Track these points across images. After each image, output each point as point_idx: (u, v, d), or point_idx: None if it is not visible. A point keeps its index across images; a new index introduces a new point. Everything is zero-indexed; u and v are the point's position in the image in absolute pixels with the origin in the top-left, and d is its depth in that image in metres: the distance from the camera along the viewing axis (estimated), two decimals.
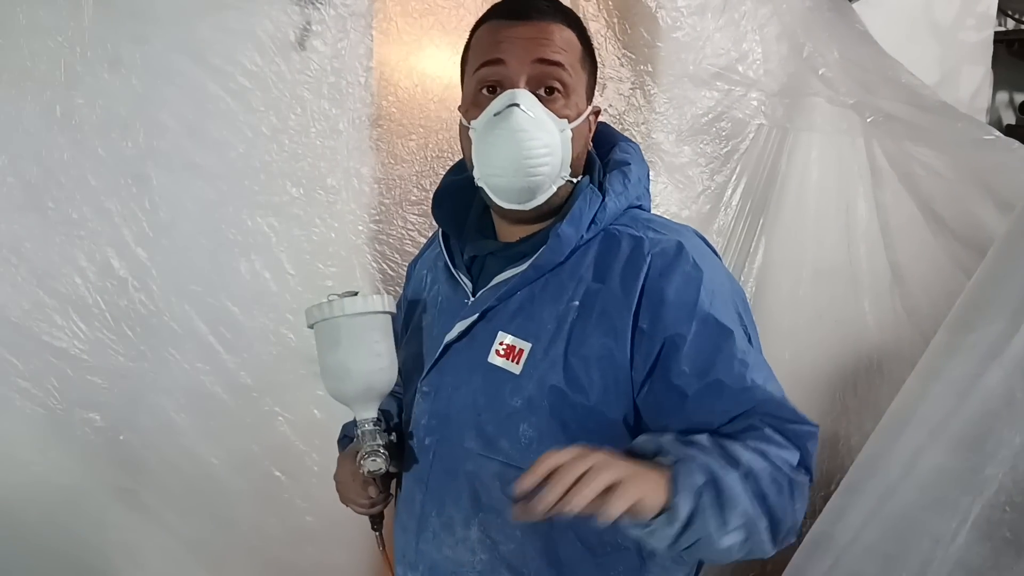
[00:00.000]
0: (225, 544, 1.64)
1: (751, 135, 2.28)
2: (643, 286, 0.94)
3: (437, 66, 1.76)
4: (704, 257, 0.98)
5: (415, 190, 1.73)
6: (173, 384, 1.58)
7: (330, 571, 1.74)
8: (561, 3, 1.04)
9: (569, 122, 0.98)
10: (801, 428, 0.92)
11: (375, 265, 1.72)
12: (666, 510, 0.79)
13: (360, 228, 1.69)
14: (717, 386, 0.92)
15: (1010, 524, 1.27)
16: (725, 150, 2.26)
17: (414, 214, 1.73)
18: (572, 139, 0.98)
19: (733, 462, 0.85)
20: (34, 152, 1.46)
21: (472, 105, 1.00)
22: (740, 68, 2.23)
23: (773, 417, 0.92)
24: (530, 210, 1.00)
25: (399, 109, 1.71)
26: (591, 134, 1.05)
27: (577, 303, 0.96)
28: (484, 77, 0.99)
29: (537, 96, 0.96)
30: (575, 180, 1.02)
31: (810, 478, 0.92)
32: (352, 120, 1.66)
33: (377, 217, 1.72)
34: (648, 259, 0.95)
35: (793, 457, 0.90)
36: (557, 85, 0.97)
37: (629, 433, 0.95)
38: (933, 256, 2.20)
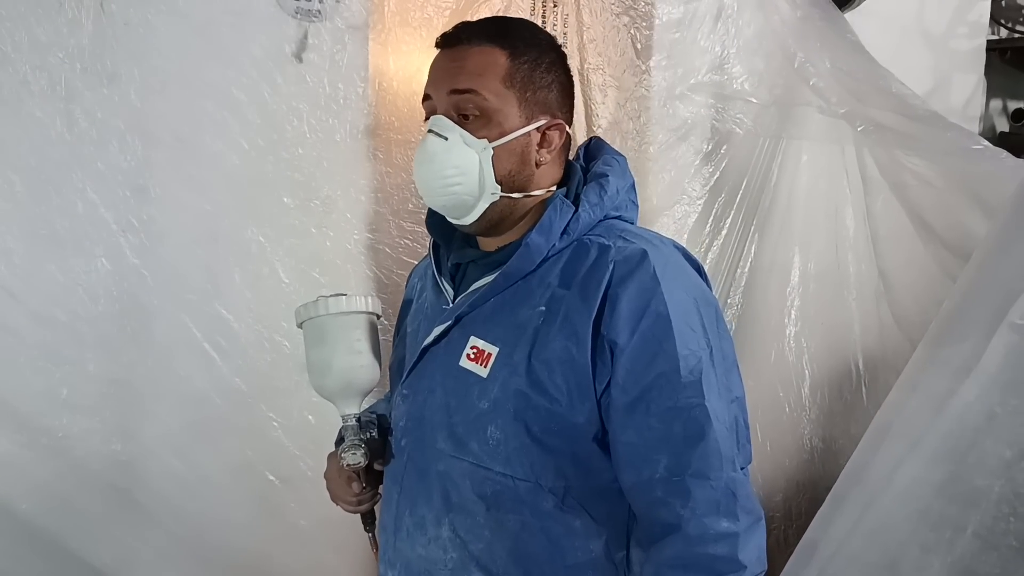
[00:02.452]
0: (220, 548, 1.68)
1: (743, 143, 2.30)
2: (605, 292, 0.97)
3: None
4: (668, 268, 0.99)
5: (412, 199, 1.77)
6: (169, 390, 1.62)
7: (323, 574, 1.78)
8: (497, 23, 1.09)
9: (490, 141, 1.02)
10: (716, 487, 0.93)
11: (370, 273, 1.75)
12: None
13: (356, 237, 1.73)
14: (643, 406, 0.95)
15: (1016, 533, 1.31)
16: (717, 158, 2.29)
17: (410, 223, 1.76)
18: (495, 157, 1.02)
19: None
20: (34, 165, 1.50)
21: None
22: (732, 78, 2.26)
23: (687, 462, 0.93)
24: (471, 225, 1.05)
25: (398, 118, 1.75)
26: (550, 149, 1.07)
27: (543, 308, 1.00)
28: (425, 111, 1.07)
29: (458, 120, 1.02)
30: (514, 196, 1.05)
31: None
32: (349, 130, 1.70)
33: (373, 226, 1.75)
34: (611, 266, 0.98)
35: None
36: (472, 111, 1.01)
37: (593, 437, 0.99)
38: (922, 264, 2.23)
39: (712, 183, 2.29)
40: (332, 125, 1.67)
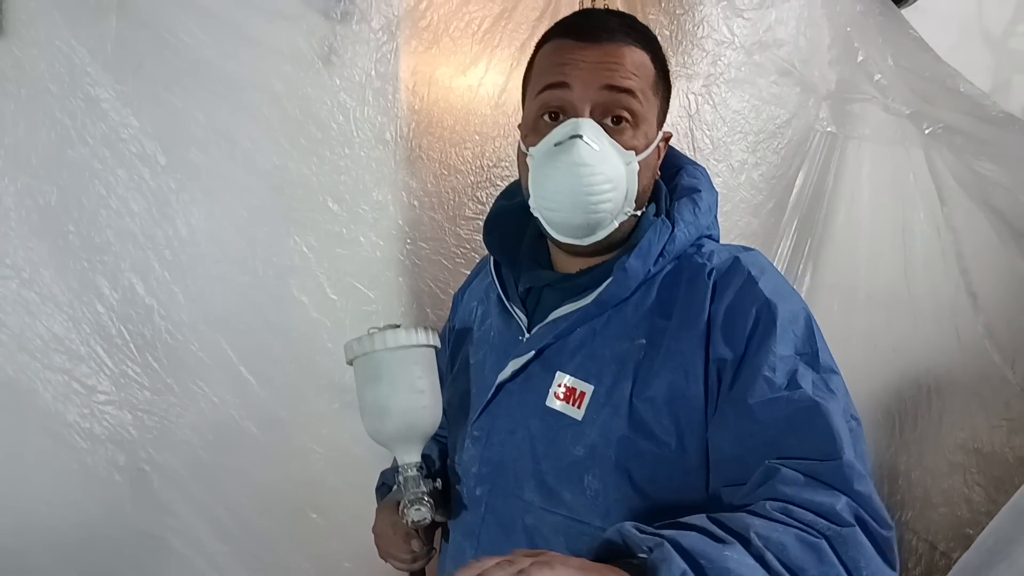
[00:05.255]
0: None
1: (800, 145, 2.28)
2: (709, 315, 0.92)
3: (494, 70, 1.74)
4: (764, 270, 0.95)
5: (470, 203, 1.71)
6: (200, 418, 1.55)
7: None
8: (636, 22, 1.02)
9: (637, 154, 0.96)
10: (837, 466, 0.81)
11: (425, 287, 1.69)
12: None
13: (408, 246, 1.66)
14: (744, 402, 0.87)
15: None
16: (770, 161, 2.27)
17: (468, 230, 1.70)
18: (639, 171, 0.97)
19: (738, 535, 0.73)
20: (53, 172, 1.44)
21: (532, 130, 0.99)
22: (791, 72, 2.24)
23: (800, 455, 0.82)
24: (588, 245, 0.99)
25: (452, 116, 1.70)
26: (659, 162, 1.04)
27: (644, 341, 0.94)
28: (546, 102, 0.97)
29: (603, 126, 0.95)
30: (639, 214, 1.00)
31: (880, 526, 0.78)
32: (400, 129, 1.64)
33: (428, 234, 1.69)
34: (710, 285, 0.94)
35: (834, 501, 0.78)
36: (626, 115, 0.95)
37: (706, 486, 0.91)
38: (1011, 277, 2.20)
39: (765, 186, 2.27)
40: (382, 123, 1.61)
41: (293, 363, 1.60)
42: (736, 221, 2.25)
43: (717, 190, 2.12)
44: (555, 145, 0.94)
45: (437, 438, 1.19)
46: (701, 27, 2.11)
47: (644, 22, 2.06)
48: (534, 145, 0.97)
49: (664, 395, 0.91)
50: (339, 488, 1.63)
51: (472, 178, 1.71)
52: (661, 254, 0.97)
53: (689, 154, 2.16)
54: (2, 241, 1.41)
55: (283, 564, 1.62)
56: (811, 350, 0.91)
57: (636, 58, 0.97)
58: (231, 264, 1.56)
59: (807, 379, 0.88)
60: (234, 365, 1.56)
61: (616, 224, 0.98)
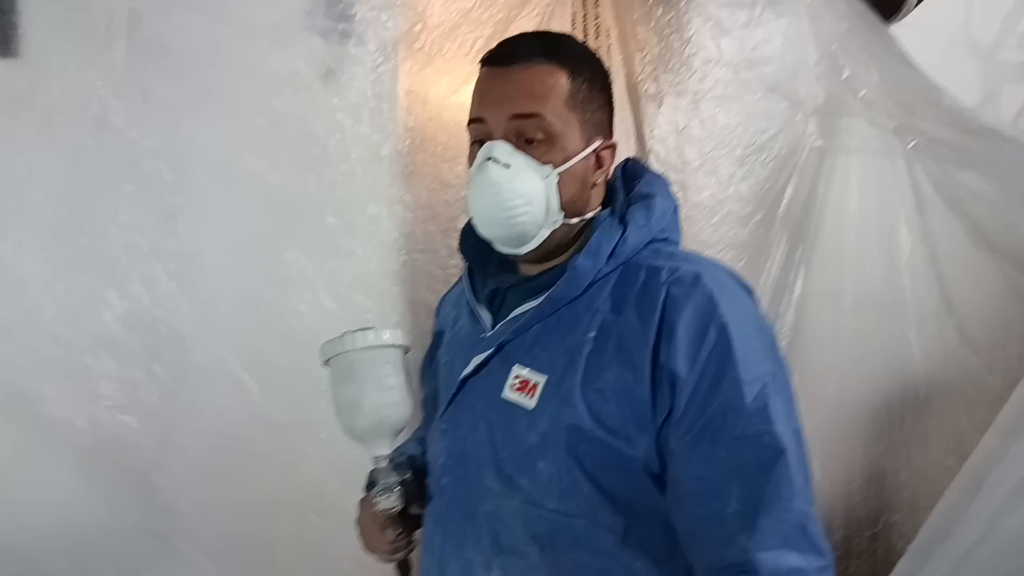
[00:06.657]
0: None
1: (788, 158, 2.33)
2: (661, 317, 0.96)
3: None
4: (724, 291, 0.98)
5: (462, 216, 1.75)
6: (204, 424, 1.61)
7: None
8: (557, 41, 1.07)
9: (555, 166, 1.01)
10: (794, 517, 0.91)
11: (419, 296, 1.76)
12: None
13: (403, 258, 1.74)
14: (708, 436, 0.93)
15: None
16: (758, 172, 2.32)
17: None
18: (560, 183, 1.02)
19: None
20: (65, 189, 1.52)
21: (470, 155, 1.08)
22: (778, 88, 2.29)
23: (760, 491, 0.91)
24: (528, 253, 1.05)
25: (445, 133, 1.77)
26: (602, 170, 1.08)
27: (593, 334, 0.99)
28: (472, 134, 1.06)
29: (519, 144, 1.01)
30: (573, 222, 1.05)
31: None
32: (395, 146, 1.72)
33: (421, 246, 1.76)
34: (665, 288, 0.97)
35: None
36: (537, 135, 1.01)
37: (649, 473, 0.97)
38: (986, 283, 2.24)
39: (753, 198, 2.32)
40: (377, 140, 1.68)
41: (292, 371, 1.65)
42: (725, 232, 2.30)
43: (706, 203, 2.22)
44: (476, 167, 1.02)
45: (421, 438, 1.26)
46: (689, 45, 2.17)
47: (634, 40, 2.16)
48: (470, 168, 1.06)
49: (612, 387, 0.96)
50: (338, 491, 1.67)
51: (464, 192, 1.76)
52: (612, 254, 1.02)
53: (678, 167, 2.23)
54: (17, 255, 1.49)
55: (285, 565, 1.68)
56: (771, 368, 0.97)
57: (546, 78, 1.02)
58: (234, 276, 1.63)
59: (777, 407, 0.94)
60: (236, 372, 1.63)
61: (546, 233, 1.03)
